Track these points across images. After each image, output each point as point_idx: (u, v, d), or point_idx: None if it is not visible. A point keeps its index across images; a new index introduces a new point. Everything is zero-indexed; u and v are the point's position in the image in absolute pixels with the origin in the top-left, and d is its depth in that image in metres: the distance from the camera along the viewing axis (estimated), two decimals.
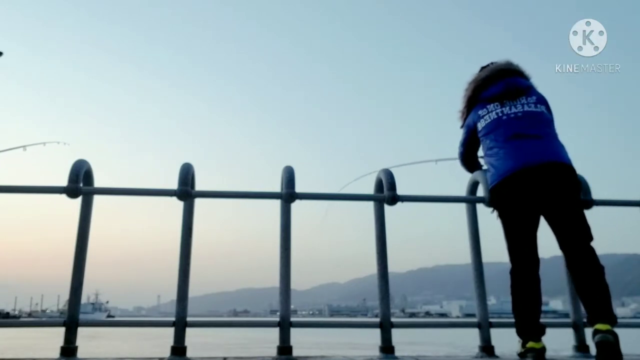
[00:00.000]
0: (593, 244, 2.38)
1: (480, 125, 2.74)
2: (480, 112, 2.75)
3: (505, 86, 2.69)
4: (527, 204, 2.45)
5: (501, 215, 2.60)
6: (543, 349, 2.32)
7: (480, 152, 2.89)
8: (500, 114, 2.65)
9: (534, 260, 2.44)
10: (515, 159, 2.48)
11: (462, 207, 2.96)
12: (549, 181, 2.41)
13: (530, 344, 2.32)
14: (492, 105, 2.71)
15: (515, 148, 2.50)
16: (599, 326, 2.16)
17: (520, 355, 2.41)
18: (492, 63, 2.89)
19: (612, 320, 2.19)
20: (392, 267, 3.02)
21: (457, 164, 3.10)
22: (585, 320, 2.75)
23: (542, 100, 2.68)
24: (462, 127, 2.95)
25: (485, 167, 2.85)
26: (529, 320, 2.37)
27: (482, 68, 2.91)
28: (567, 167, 2.47)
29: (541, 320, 2.40)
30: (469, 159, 3.00)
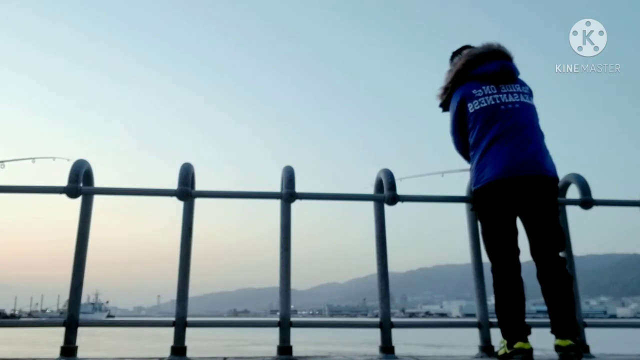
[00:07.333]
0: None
1: (473, 106, 2.51)
2: (474, 92, 2.52)
3: (502, 67, 2.52)
4: (509, 209, 2.41)
5: (481, 216, 2.53)
6: (531, 350, 2.26)
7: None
8: (497, 101, 2.47)
9: (516, 260, 2.39)
10: (503, 166, 2.36)
11: (462, 207, 2.96)
12: (532, 193, 2.35)
13: (518, 345, 2.24)
14: (487, 87, 2.51)
15: (506, 152, 2.38)
16: (560, 342, 2.18)
17: (506, 356, 2.30)
18: (468, 46, 2.71)
19: (574, 333, 2.20)
20: (392, 267, 3.03)
21: (465, 174, 2.84)
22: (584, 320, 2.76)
23: (531, 93, 2.58)
24: (441, 105, 2.75)
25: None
26: (516, 319, 2.31)
27: (456, 52, 2.73)
28: (551, 180, 2.40)
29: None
30: (466, 147, 2.67)
